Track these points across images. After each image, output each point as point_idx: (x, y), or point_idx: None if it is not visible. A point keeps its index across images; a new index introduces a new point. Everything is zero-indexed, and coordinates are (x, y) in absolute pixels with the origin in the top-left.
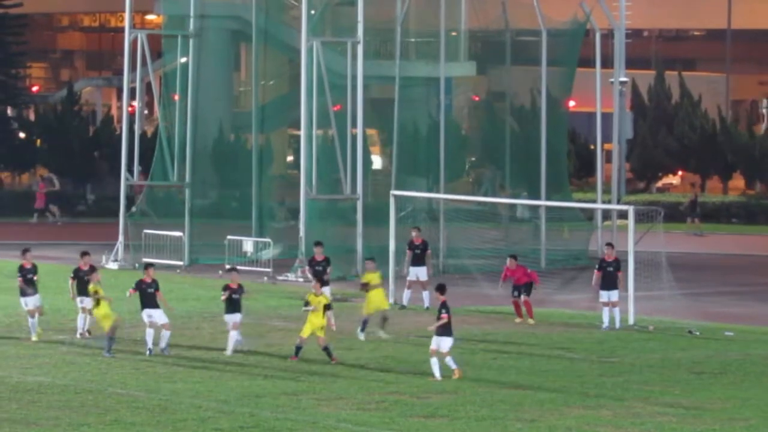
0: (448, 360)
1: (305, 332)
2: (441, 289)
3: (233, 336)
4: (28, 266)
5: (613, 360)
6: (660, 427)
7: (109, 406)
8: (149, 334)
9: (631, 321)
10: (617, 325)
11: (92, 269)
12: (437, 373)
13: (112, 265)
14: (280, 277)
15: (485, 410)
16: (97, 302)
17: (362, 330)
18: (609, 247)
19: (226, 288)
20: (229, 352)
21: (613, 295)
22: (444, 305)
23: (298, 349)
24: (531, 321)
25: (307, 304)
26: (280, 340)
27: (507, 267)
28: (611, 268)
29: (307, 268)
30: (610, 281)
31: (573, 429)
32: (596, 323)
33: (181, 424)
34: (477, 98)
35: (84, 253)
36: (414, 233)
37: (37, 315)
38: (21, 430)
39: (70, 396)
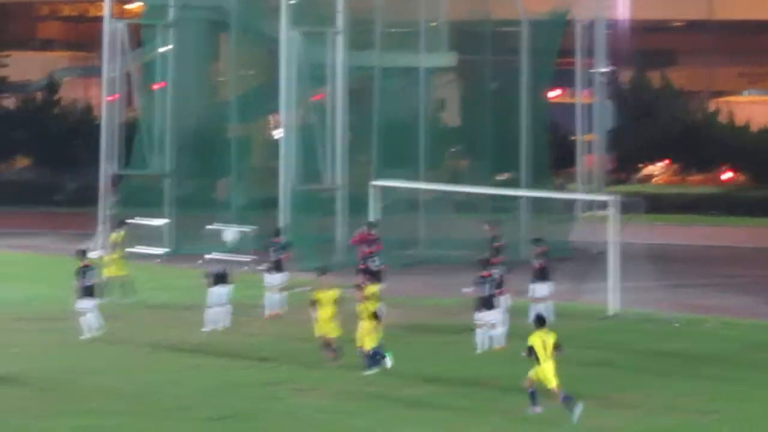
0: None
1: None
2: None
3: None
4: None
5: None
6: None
7: (86, 395)
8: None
9: (610, 312)
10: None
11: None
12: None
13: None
14: (260, 267)
15: (467, 400)
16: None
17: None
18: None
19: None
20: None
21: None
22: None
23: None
24: None
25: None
26: (259, 329)
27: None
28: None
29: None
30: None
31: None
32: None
33: (159, 413)
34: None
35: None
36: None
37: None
38: None
39: (47, 385)
